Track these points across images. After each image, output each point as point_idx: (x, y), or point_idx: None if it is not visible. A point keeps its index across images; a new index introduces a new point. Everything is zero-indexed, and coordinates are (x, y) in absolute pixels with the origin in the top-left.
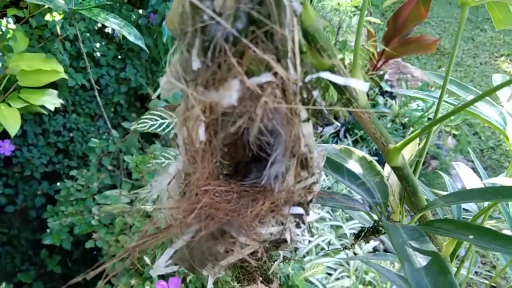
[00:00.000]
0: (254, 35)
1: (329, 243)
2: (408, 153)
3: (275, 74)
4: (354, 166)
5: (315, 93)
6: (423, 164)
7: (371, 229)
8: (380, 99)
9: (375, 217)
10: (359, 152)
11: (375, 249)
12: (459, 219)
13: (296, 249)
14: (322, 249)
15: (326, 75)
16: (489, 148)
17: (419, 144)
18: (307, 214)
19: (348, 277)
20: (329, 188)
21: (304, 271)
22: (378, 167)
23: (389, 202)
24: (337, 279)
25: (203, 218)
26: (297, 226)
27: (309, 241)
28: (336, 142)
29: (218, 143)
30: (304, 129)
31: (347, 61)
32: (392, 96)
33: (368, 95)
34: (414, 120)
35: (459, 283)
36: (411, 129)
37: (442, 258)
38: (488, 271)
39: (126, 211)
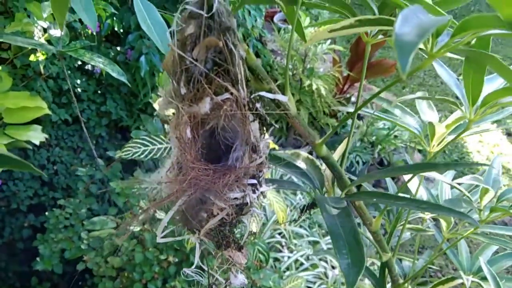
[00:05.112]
0: (217, 71)
1: (307, 258)
2: (340, 151)
3: (232, 93)
4: (300, 163)
5: (258, 104)
6: (393, 179)
7: (310, 204)
8: (349, 120)
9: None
10: (304, 154)
11: None
12: (367, 190)
13: (276, 265)
14: (301, 264)
15: (263, 93)
16: (453, 160)
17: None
18: (260, 185)
19: None
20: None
21: (284, 284)
22: (317, 163)
23: (325, 186)
24: None
25: (192, 185)
26: (253, 192)
27: (289, 257)
28: None
29: (199, 138)
30: (252, 127)
31: (314, 87)
32: (360, 117)
33: (337, 118)
34: (381, 138)
35: (404, 272)
36: (379, 146)
37: (348, 209)
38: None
39: (114, 234)
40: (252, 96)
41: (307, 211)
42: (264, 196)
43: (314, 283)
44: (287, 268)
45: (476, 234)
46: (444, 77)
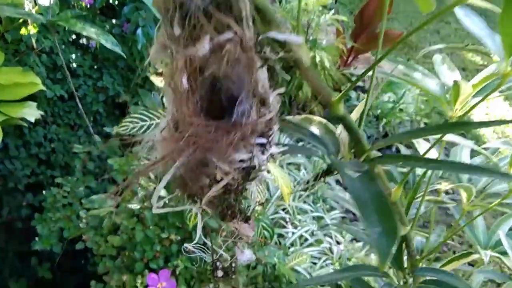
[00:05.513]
0: (218, 5)
1: (312, 234)
2: (358, 111)
3: (235, 33)
4: (313, 128)
5: (266, 48)
6: (398, 152)
7: (324, 171)
8: (353, 94)
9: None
10: (316, 118)
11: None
12: (390, 154)
13: (280, 241)
14: (306, 240)
15: (272, 33)
16: (460, 134)
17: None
18: (270, 145)
19: (332, 264)
20: (309, 181)
21: (289, 260)
22: (332, 127)
23: (341, 152)
24: (322, 267)
25: (191, 144)
26: (262, 153)
27: (293, 233)
28: None
29: (197, 88)
30: (260, 75)
31: (317, 59)
32: (364, 90)
33: (341, 90)
34: (386, 112)
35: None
36: (384, 120)
37: (372, 173)
38: (465, 250)
39: (113, 211)
40: (259, 38)
41: (322, 179)
42: (274, 159)
43: (319, 258)
44: (292, 244)
45: (501, 206)
46: (472, 27)
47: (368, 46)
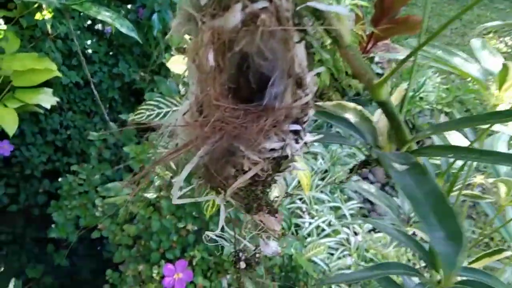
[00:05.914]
0: None
1: (329, 224)
2: (396, 99)
3: (271, 1)
4: (348, 116)
5: (306, 19)
6: (418, 143)
7: (362, 163)
8: None
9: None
10: (351, 105)
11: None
12: (437, 145)
13: (297, 231)
14: (323, 230)
15: (312, 3)
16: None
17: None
18: (304, 132)
19: (350, 255)
20: (326, 171)
21: (306, 251)
22: (368, 114)
23: (379, 141)
24: (339, 258)
25: (217, 130)
26: (296, 142)
27: (310, 223)
28: None
29: (225, 66)
30: (298, 51)
31: None
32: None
33: None
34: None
35: None
36: (404, 109)
37: (422, 166)
38: (487, 243)
39: (129, 200)
40: (297, 8)
41: (359, 171)
42: (308, 148)
43: (336, 249)
44: (308, 234)
45: None
46: None
47: (388, 32)
